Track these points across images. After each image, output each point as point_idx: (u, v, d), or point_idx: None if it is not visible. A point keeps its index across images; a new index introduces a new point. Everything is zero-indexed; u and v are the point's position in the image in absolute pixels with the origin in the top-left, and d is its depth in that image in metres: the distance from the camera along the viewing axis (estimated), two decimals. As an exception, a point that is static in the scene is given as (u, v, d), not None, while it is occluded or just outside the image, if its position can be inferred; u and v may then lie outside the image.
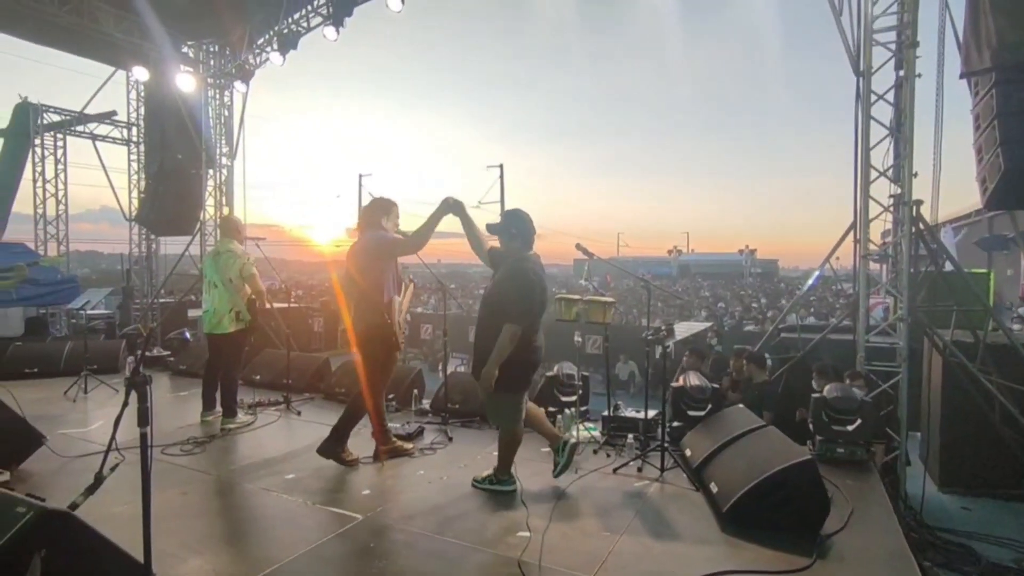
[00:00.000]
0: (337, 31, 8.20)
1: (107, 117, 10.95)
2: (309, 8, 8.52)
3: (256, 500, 3.46)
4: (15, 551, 1.82)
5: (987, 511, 5.35)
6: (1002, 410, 5.24)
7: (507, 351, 3.26)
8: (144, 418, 2.04)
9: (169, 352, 7.95)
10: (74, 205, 11.83)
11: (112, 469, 2.34)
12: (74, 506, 2.18)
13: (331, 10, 8.23)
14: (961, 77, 5.38)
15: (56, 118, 11.20)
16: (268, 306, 5.13)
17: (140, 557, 2.11)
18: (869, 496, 3.52)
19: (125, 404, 2.10)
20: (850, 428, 4.09)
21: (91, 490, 2.29)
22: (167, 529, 2.97)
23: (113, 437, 2.19)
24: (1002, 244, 14.84)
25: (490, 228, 3.62)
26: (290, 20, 8.63)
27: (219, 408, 5.03)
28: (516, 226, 3.49)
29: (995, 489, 5.50)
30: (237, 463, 4.08)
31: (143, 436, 2.04)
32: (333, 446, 3.93)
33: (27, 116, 10.93)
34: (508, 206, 29.26)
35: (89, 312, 7.48)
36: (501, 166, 29.85)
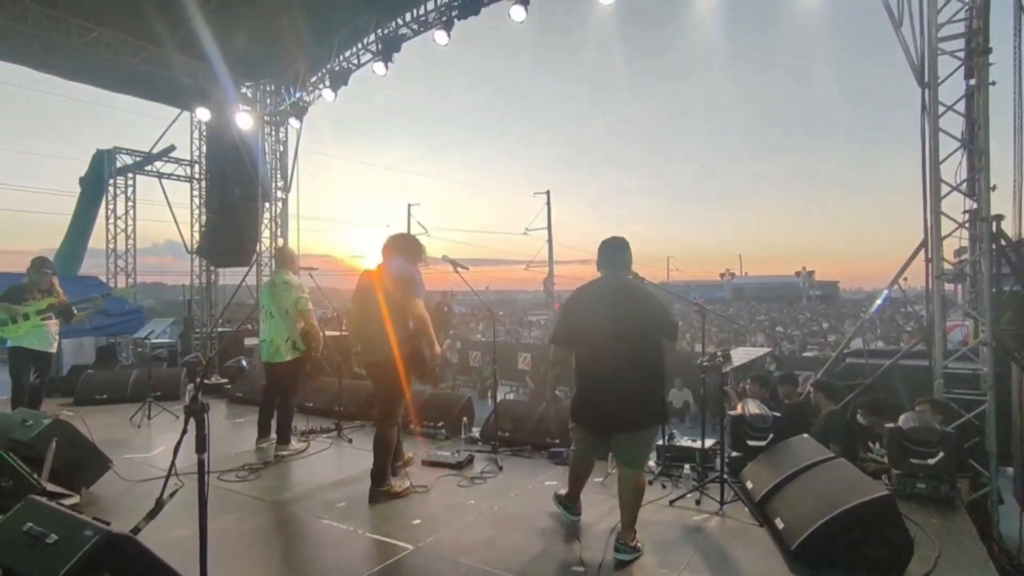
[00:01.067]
0: (386, 66, 8.48)
1: (167, 153, 11.65)
2: (359, 46, 8.85)
3: (309, 527, 3.46)
4: (83, 571, 1.87)
5: (1094, 555, 4.82)
6: (1105, 442, 4.75)
7: None
8: (202, 444, 2.06)
9: (226, 380, 8.21)
10: (141, 239, 12.56)
11: (172, 495, 2.37)
12: (136, 530, 2.22)
13: (380, 47, 8.52)
14: (1039, 82, 5.06)
15: (128, 159, 11.98)
16: (321, 337, 5.19)
17: (196, 583, 2.12)
18: (958, 537, 3.21)
19: (184, 431, 2.14)
20: (931, 461, 3.77)
21: (152, 515, 2.33)
22: (222, 555, 3.00)
23: (173, 463, 2.23)
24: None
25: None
26: (341, 58, 8.99)
27: (273, 435, 5.11)
28: (615, 253, 3.31)
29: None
30: (290, 490, 4.11)
31: (200, 463, 2.06)
32: (378, 491, 3.83)
33: (103, 164, 11.81)
34: (556, 231, 29.23)
35: (153, 341, 7.82)
36: (548, 192, 30.10)
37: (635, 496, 3.08)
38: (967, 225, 5.19)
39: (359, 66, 8.99)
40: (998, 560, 4.13)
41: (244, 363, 8.41)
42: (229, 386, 7.77)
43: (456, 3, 7.80)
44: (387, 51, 8.43)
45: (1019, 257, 5.13)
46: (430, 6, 8.08)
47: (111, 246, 12.28)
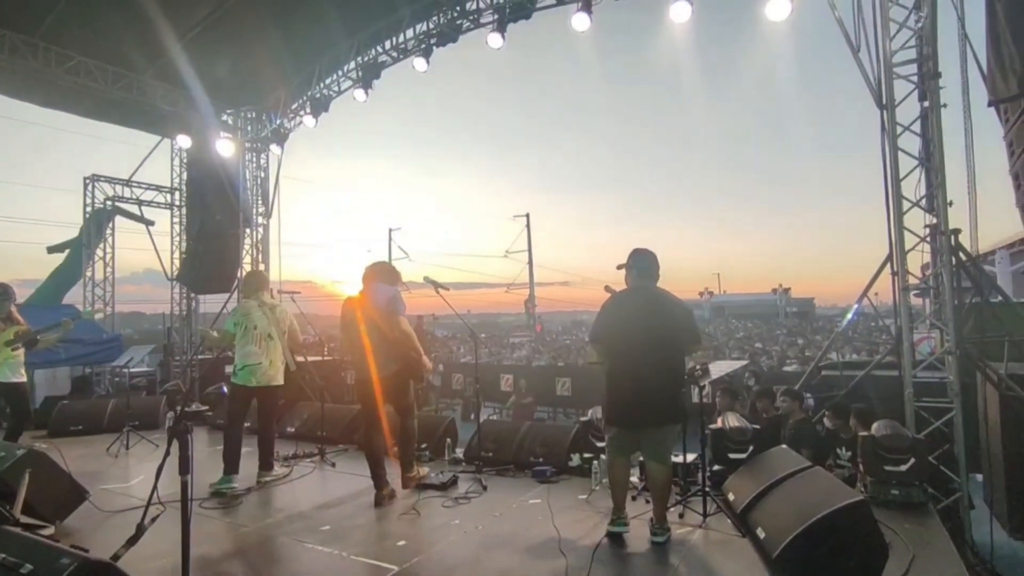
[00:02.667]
0: (366, 93, 8.61)
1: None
2: (340, 73, 8.99)
3: (293, 552, 3.43)
4: (59, 603, 1.84)
5: (1066, 558, 4.95)
6: (1071, 446, 4.90)
7: None
8: (185, 466, 2.07)
9: (207, 407, 8.09)
10: (120, 268, 12.36)
11: (153, 520, 2.37)
12: (116, 557, 2.21)
13: (360, 74, 8.66)
14: (989, 105, 5.32)
15: (107, 186, 11.86)
16: (301, 359, 5.20)
17: (178, 610, 2.10)
18: (931, 541, 3.30)
19: (167, 454, 2.15)
20: (903, 468, 3.88)
21: (132, 541, 2.32)
22: (204, 583, 2.97)
23: (155, 487, 2.23)
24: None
25: (620, 267, 3.72)
26: (322, 85, 9.12)
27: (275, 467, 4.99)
28: (648, 263, 3.64)
29: (1074, 533, 5.08)
30: (274, 516, 4.06)
31: (184, 484, 2.07)
32: (408, 477, 4.44)
33: (102, 219, 11.62)
34: (536, 253, 29.48)
35: (132, 370, 7.71)
36: (527, 216, 30.42)
37: (665, 488, 3.46)
38: (928, 239, 5.40)
39: (339, 93, 9.12)
40: (972, 565, 4.23)
41: (225, 389, 8.29)
42: (210, 413, 7.66)
43: (435, 31, 7.98)
44: (367, 78, 8.57)
45: (978, 271, 5.35)
46: (409, 34, 8.27)
47: (88, 274, 12.08)
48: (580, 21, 7.01)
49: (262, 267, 10.20)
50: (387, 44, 8.47)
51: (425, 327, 19.13)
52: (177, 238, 11.40)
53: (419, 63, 8.05)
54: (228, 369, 9.82)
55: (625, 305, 3.57)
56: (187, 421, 2.06)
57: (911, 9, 5.38)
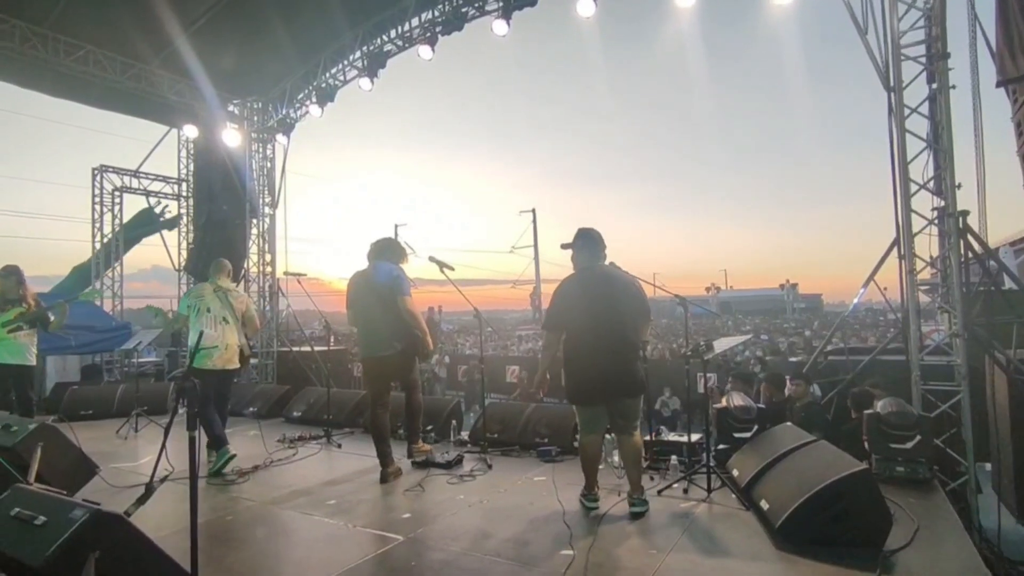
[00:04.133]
0: (372, 82, 8.63)
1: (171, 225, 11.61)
2: (345, 63, 9.01)
3: (299, 524, 3.46)
4: (73, 549, 1.88)
5: (1075, 544, 4.92)
6: (1080, 431, 4.87)
7: None
8: (193, 422, 2.10)
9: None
10: (127, 265, 12.45)
11: (162, 480, 2.40)
12: (127, 514, 2.24)
13: (366, 63, 8.68)
14: (998, 86, 5.29)
15: (115, 176, 11.97)
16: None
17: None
18: (936, 514, 3.29)
19: (174, 411, 2.18)
20: (909, 445, 3.87)
21: (142, 500, 2.36)
22: (212, 552, 3.00)
23: (163, 445, 2.26)
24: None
25: (565, 246, 3.75)
26: (327, 74, 9.14)
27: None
28: (594, 242, 3.67)
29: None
30: (280, 491, 4.09)
31: (191, 440, 2.10)
32: (413, 448, 4.59)
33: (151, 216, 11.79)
34: (541, 249, 29.46)
35: (140, 360, 7.79)
36: (533, 211, 30.36)
37: (637, 455, 3.56)
38: (936, 221, 5.37)
39: (345, 82, 9.14)
40: (980, 549, 4.20)
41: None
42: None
43: (440, 19, 7.99)
44: (372, 67, 8.59)
45: (987, 252, 5.31)
46: (415, 22, 8.28)
47: (98, 267, 12.19)
48: (585, 6, 7.00)
49: (268, 258, 10.25)
50: (392, 33, 8.48)
51: (434, 320, 19.38)
52: (184, 229, 11.49)
53: (424, 51, 8.07)
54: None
55: (578, 287, 3.59)
56: (194, 378, 2.08)
57: (919, -11, 5.35)
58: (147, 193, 11.83)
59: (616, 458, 4.24)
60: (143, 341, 6.97)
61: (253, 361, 9.80)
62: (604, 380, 3.44)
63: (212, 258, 9.91)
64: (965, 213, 5.17)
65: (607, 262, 3.66)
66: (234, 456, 4.54)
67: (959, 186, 5.25)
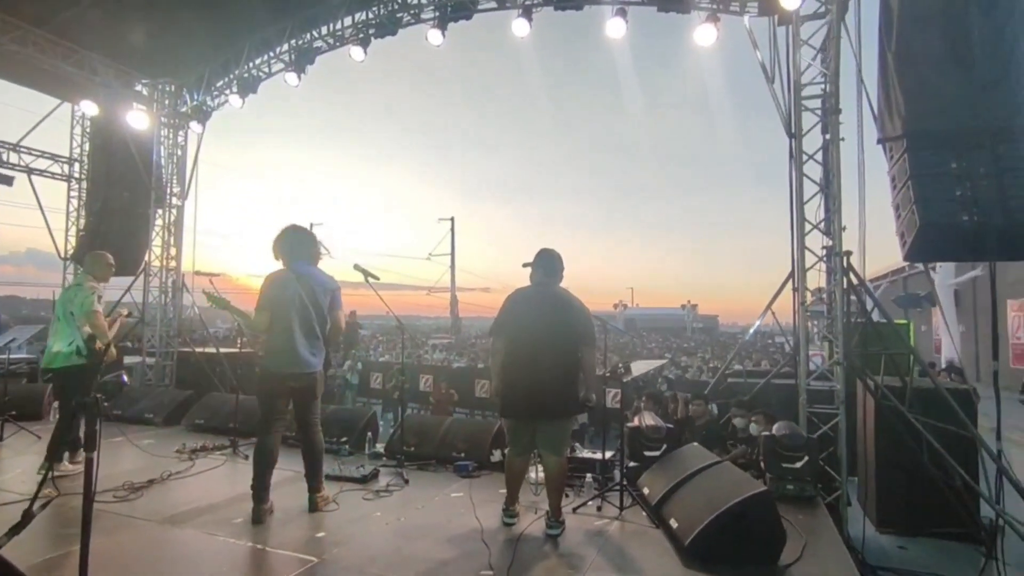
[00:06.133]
0: (299, 77, 8.31)
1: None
2: (271, 54, 8.61)
3: (202, 545, 3.25)
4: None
5: (922, 550, 5.57)
6: (930, 450, 5.56)
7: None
8: (92, 443, 1.93)
9: (103, 396, 7.43)
10: (-3, 246, 11.08)
11: (43, 506, 2.17)
12: None
13: (293, 57, 8.35)
14: (878, 143, 5.96)
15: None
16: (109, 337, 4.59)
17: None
18: (819, 530, 3.65)
19: (63, 430, 1.99)
20: (798, 465, 4.25)
21: (17, 529, 2.10)
22: (104, 577, 2.76)
23: (50, 467, 2.06)
24: (916, 302, 16.03)
25: (526, 264, 3.76)
26: (251, 65, 8.69)
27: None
28: (553, 263, 3.71)
29: (928, 528, 5.75)
30: (179, 508, 3.81)
31: (89, 462, 1.93)
32: (318, 497, 3.86)
33: None
34: (459, 258, 29.34)
35: (11, 357, 6.97)
36: (452, 219, 30.30)
37: (560, 480, 3.55)
38: (824, 259, 5.96)
39: (270, 75, 8.74)
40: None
41: (125, 378, 7.67)
42: (107, 403, 7.04)
43: (374, 21, 7.86)
44: (300, 62, 8.27)
45: (864, 290, 5.95)
46: (347, 22, 8.07)
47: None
48: (520, 27, 7.14)
49: (173, 251, 9.52)
50: (323, 30, 8.22)
51: (357, 324, 18.85)
52: (74, 214, 10.44)
53: (356, 52, 7.88)
54: (127, 360, 9.15)
55: (526, 301, 3.64)
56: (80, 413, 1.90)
57: (818, 50, 5.95)
58: (29, 170, 10.63)
59: (533, 475, 4.33)
60: (17, 339, 6.26)
61: (138, 359, 9.03)
62: (531, 397, 3.46)
63: (108, 246, 9.12)
64: (848, 253, 5.78)
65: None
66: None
67: (844, 228, 5.87)
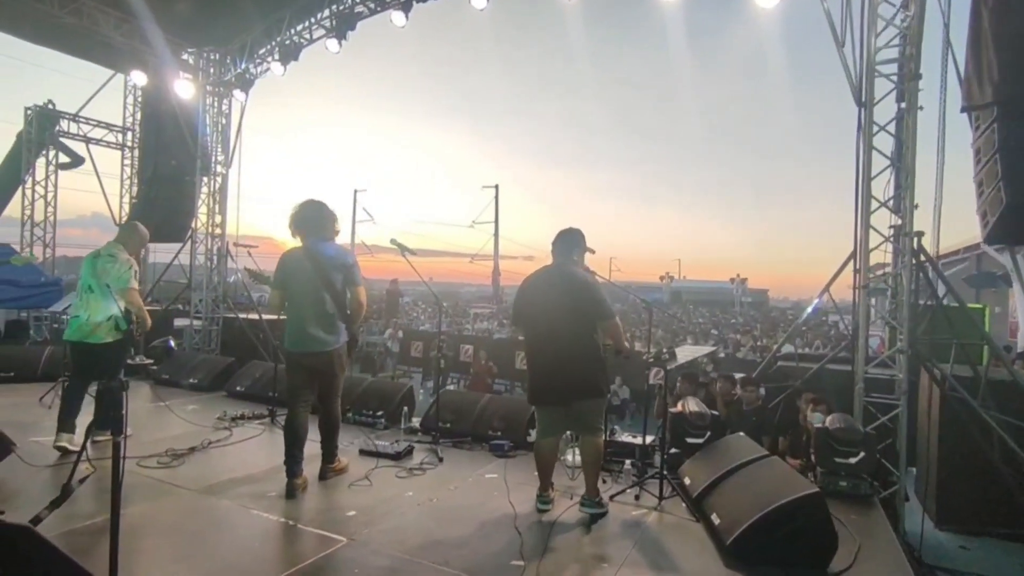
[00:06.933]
0: (340, 44, 8.17)
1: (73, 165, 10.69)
2: (312, 20, 8.48)
3: (235, 518, 3.28)
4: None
5: (985, 551, 5.23)
6: (1001, 447, 5.15)
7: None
8: (118, 427, 1.89)
9: (151, 360, 7.72)
10: (65, 211, 11.61)
11: (81, 480, 2.18)
12: (37, 520, 2.03)
13: (334, 23, 8.21)
14: (962, 111, 5.41)
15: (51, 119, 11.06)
16: (147, 318, 4.46)
17: (106, 578, 1.95)
18: (875, 532, 3.40)
19: (97, 413, 1.96)
20: (853, 460, 3.98)
21: (57, 503, 2.14)
22: (137, 547, 2.81)
23: (84, 446, 2.05)
24: (991, 282, 14.92)
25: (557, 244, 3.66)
26: (292, 31, 8.61)
27: (79, 432, 4.23)
28: (570, 241, 3.62)
29: (993, 528, 5.38)
30: (217, 478, 3.88)
31: (116, 446, 1.89)
32: (328, 468, 3.94)
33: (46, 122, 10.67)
34: (503, 226, 29.30)
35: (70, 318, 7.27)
36: (496, 187, 30.09)
37: (596, 459, 3.49)
38: (892, 239, 5.50)
39: (311, 41, 8.63)
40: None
41: (172, 343, 7.92)
42: (155, 367, 7.31)
43: (416, -15, 7.59)
44: (341, 28, 8.12)
45: (937, 274, 5.48)
46: (388, -14, 7.84)
47: (27, 214, 11.32)
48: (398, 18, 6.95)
49: (218, 218, 9.71)
50: (364, -6, 8.02)
51: (399, 292, 19.14)
52: (128, 181, 10.77)
53: (397, 17, 7.66)
54: (178, 323, 9.47)
55: (536, 284, 3.59)
56: (128, 376, 1.87)
57: (898, 7, 5.38)
58: (87, 140, 11.00)
59: (570, 458, 4.21)
60: (73, 304, 6.49)
61: (187, 322, 9.28)
62: (553, 382, 3.42)
63: (157, 214, 9.40)
64: (920, 234, 5.31)
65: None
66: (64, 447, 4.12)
67: (917, 206, 5.39)
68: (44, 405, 5.54)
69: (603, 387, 3.50)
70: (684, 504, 3.63)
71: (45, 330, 9.81)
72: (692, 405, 4.50)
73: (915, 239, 5.27)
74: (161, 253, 10.66)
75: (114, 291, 4.17)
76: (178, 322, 9.41)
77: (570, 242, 3.62)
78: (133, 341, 4.47)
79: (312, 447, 3.90)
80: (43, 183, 11.35)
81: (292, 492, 3.59)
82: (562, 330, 3.39)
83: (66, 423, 4.23)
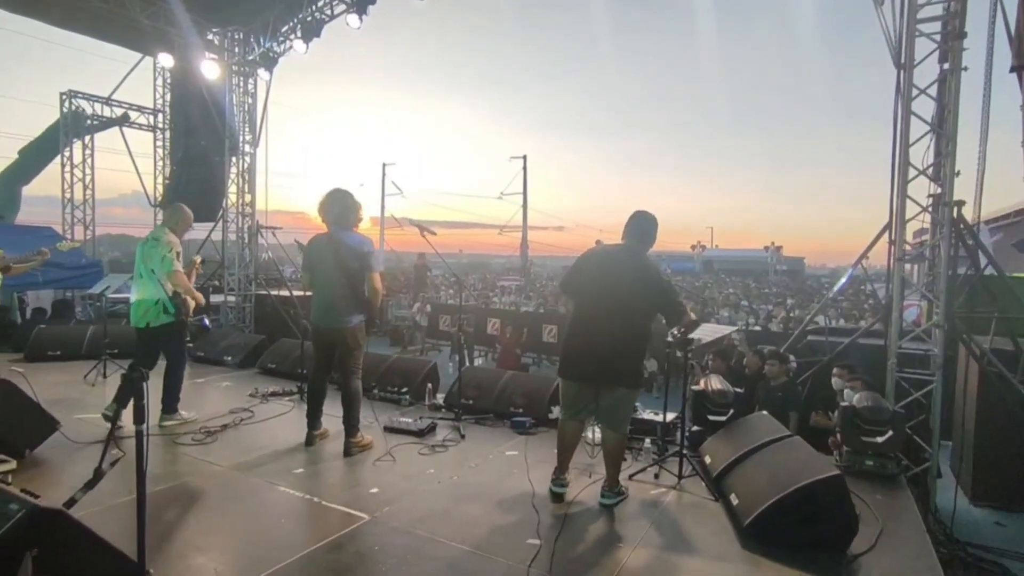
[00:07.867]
0: (360, 19, 8.11)
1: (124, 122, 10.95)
2: (333, -6, 8.43)
3: (262, 495, 3.41)
4: (7, 549, 1.77)
5: (1022, 528, 5.10)
6: (1044, 424, 4.96)
7: None
8: (140, 416, 1.97)
9: (187, 338, 7.98)
10: (107, 190, 12.00)
11: (112, 464, 2.29)
12: (71, 502, 2.14)
13: (355, -3, 8.13)
14: (1012, 71, 5.08)
15: (84, 103, 11.34)
16: (190, 301, 4.61)
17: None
18: (900, 514, 3.33)
19: (121, 399, 2.04)
20: (880, 440, 3.89)
21: (90, 485, 2.25)
22: (169, 522, 2.96)
23: (112, 432, 2.14)
24: (1041, 246, 14.18)
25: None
26: (313, 8, 8.56)
27: (181, 412, 4.70)
28: (647, 228, 3.54)
29: (1032, 505, 5.23)
30: (247, 454, 4.03)
31: (139, 434, 1.98)
32: (351, 443, 4.12)
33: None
34: (531, 197, 29.02)
35: (111, 296, 7.55)
36: (524, 157, 29.74)
37: (618, 455, 3.44)
38: (930, 209, 5.26)
39: (332, 17, 8.58)
40: (933, 531, 4.33)
41: (207, 321, 8.16)
42: (191, 344, 7.56)
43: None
44: (362, 3, 8.05)
45: (977, 245, 5.24)
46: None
47: (67, 195, 11.73)
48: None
49: (248, 197, 9.88)
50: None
51: (427, 267, 19.36)
52: (160, 162, 11.01)
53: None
54: (214, 299, 9.75)
55: (604, 260, 3.50)
56: (143, 368, 1.93)
57: (943, -39, 5.03)
58: (120, 123, 11.25)
59: (590, 435, 4.22)
60: (112, 285, 6.74)
61: (221, 299, 9.55)
62: (588, 359, 3.32)
63: (189, 194, 9.62)
64: (961, 203, 5.06)
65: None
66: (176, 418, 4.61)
67: (958, 174, 5.12)
68: (88, 383, 5.83)
69: (639, 379, 3.43)
70: (704, 483, 3.62)
71: (91, 310, 10.23)
72: (715, 383, 4.44)
73: (955, 208, 5.03)
74: (193, 232, 10.92)
75: (159, 275, 4.39)
76: (214, 298, 9.71)
77: (645, 229, 3.52)
78: (185, 321, 4.62)
79: (337, 423, 4.20)
80: (80, 166, 11.73)
81: (310, 441, 4.21)
82: (614, 313, 3.28)
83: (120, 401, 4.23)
